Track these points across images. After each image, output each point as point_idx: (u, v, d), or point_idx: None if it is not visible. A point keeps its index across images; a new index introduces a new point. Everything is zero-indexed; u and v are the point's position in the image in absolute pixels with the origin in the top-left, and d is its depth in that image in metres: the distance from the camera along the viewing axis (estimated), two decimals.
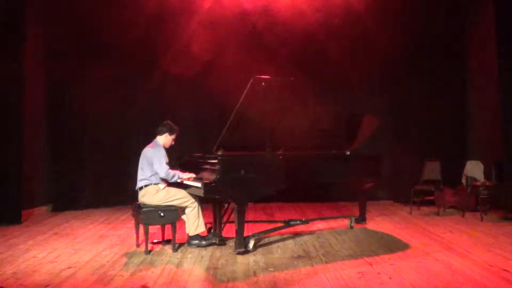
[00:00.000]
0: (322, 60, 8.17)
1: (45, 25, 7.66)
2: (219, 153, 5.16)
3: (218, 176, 4.51)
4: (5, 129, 6.51)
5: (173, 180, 4.85)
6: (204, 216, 5.03)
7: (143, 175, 4.87)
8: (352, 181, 6.01)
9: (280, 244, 5.13)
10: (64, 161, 7.79)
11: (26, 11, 6.83)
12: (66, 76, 7.68)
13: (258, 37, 8.16)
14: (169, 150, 5.10)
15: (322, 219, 6.47)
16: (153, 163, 4.80)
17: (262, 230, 5.16)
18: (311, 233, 5.73)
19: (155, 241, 5.21)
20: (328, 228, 6.04)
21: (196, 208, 4.91)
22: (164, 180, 4.89)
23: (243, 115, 4.87)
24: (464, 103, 8.19)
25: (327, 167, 5.46)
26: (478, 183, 6.80)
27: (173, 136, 5.06)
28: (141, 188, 4.88)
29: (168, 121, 5.11)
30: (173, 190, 4.88)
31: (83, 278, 3.93)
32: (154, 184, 4.85)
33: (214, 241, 5.01)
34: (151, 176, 4.83)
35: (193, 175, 4.97)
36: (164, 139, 5.03)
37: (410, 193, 7.19)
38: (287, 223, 5.42)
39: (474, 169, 7.15)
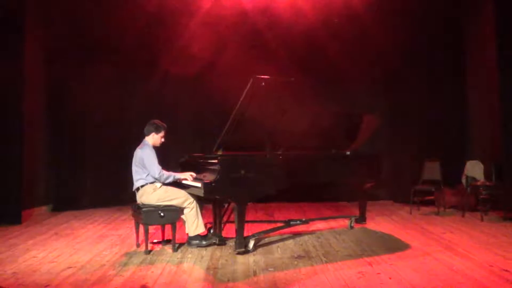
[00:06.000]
0: (322, 60, 8.18)
1: (45, 25, 7.65)
2: (219, 153, 5.16)
3: (218, 176, 4.51)
4: (5, 129, 6.51)
5: (167, 181, 4.83)
6: (204, 216, 5.03)
7: (138, 175, 4.85)
8: (352, 181, 6.00)
9: (280, 244, 5.13)
10: (64, 161, 7.80)
11: (26, 11, 6.82)
12: (66, 76, 7.68)
13: (258, 37, 8.16)
14: (169, 150, 5.08)
15: (322, 219, 6.47)
16: (145, 164, 4.78)
17: (262, 230, 5.16)
18: (311, 233, 5.73)
19: (155, 241, 5.21)
20: (328, 228, 6.05)
21: (195, 209, 4.89)
22: None
23: (243, 115, 4.87)
24: (464, 103, 8.18)
25: (327, 167, 5.45)
26: (478, 183, 6.79)
27: (160, 134, 4.97)
28: (138, 188, 4.87)
29: (154, 120, 5.02)
30: (172, 189, 4.87)
31: (83, 278, 3.92)
32: (151, 183, 4.83)
33: (214, 241, 5.01)
34: (146, 176, 4.81)
35: (189, 176, 4.95)
36: (152, 139, 4.96)
37: (410, 193, 7.19)
38: (287, 223, 5.41)
39: (474, 169, 7.14)
